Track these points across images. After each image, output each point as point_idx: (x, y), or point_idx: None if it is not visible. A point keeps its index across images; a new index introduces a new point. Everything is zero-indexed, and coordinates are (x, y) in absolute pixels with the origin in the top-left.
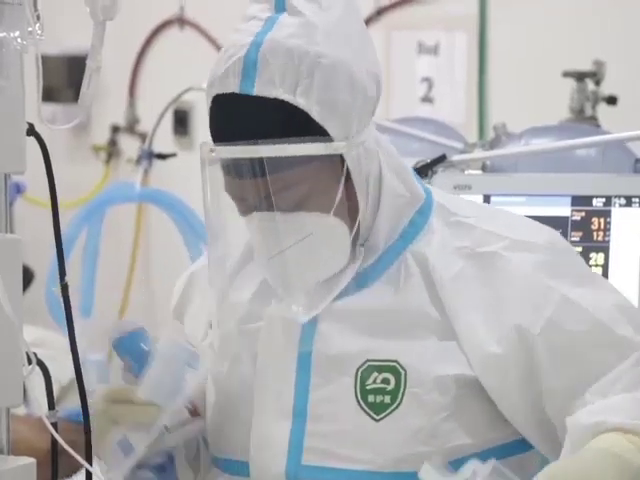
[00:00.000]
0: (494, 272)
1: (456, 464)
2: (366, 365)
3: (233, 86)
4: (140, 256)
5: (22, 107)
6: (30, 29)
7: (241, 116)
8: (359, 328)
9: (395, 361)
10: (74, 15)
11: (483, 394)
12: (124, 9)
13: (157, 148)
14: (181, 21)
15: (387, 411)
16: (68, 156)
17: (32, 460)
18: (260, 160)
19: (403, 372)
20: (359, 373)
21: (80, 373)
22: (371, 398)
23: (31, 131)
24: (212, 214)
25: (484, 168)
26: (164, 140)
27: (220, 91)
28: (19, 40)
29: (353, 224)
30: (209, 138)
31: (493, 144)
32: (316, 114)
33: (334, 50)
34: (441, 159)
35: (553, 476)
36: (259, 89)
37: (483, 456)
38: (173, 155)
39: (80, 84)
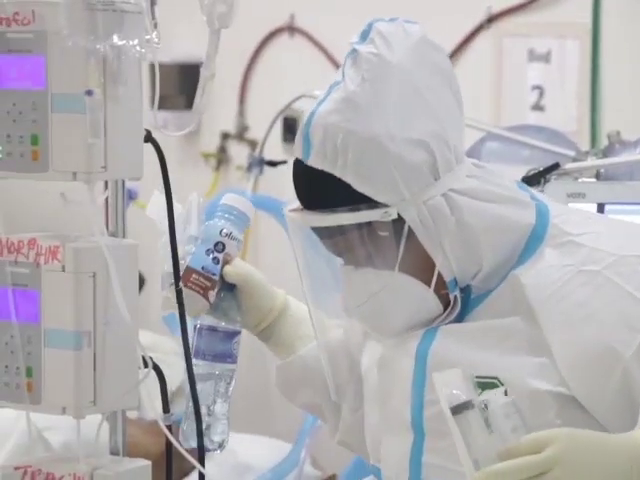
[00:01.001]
0: (589, 291)
1: None
2: (476, 381)
3: (298, 153)
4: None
5: (140, 114)
6: (148, 37)
7: (302, 183)
8: (464, 346)
9: (495, 378)
10: (185, 23)
11: (585, 410)
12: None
13: (267, 155)
14: (291, 29)
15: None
16: (178, 163)
17: (147, 462)
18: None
19: (503, 387)
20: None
21: (193, 378)
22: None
23: (148, 138)
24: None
25: (598, 176)
26: (273, 147)
27: (295, 154)
28: (138, 48)
29: (431, 278)
30: None
31: (606, 152)
32: (357, 185)
33: (365, 126)
34: (554, 167)
35: (574, 434)
36: (313, 160)
37: None
38: (284, 162)
39: (191, 91)
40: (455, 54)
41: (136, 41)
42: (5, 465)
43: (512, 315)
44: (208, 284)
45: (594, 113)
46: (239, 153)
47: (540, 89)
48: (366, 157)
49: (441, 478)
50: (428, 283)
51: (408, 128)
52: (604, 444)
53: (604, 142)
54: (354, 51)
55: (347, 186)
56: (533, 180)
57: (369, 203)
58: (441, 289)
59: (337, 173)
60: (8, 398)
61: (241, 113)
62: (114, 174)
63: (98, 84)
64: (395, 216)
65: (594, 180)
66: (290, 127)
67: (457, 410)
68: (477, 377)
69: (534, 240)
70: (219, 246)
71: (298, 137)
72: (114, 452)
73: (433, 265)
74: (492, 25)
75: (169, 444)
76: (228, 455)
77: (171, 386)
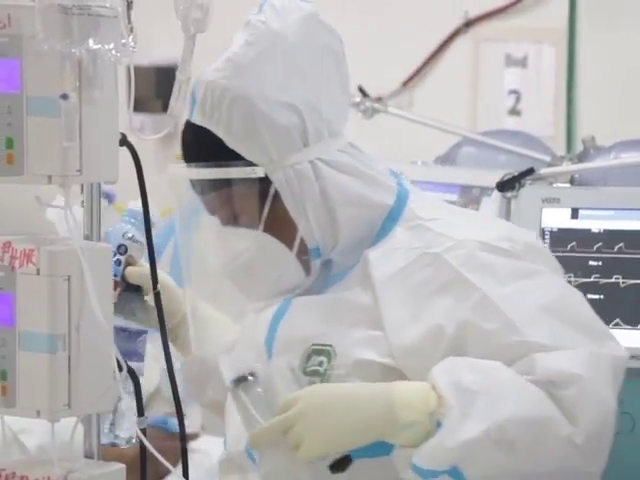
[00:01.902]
0: (433, 272)
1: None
2: (310, 349)
3: (186, 110)
4: None
5: (116, 118)
6: (124, 41)
7: (185, 138)
8: (311, 317)
9: (330, 345)
10: (162, 25)
11: (397, 374)
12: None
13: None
14: None
15: None
16: (155, 166)
17: (122, 466)
18: (197, 180)
19: (334, 355)
20: (304, 356)
21: (174, 381)
22: (309, 380)
23: (124, 141)
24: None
25: (572, 181)
26: None
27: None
28: (113, 52)
29: (293, 241)
30: None
31: (581, 157)
32: (229, 142)
33: (241, 84)
34: (529, 172)
35: (315, 390)
36: (194, 116)
37: None
38: None
39: (168, 94)
40: (432, 58)
41: (112, 45)
42: None
43: (360, 291)
44: None
45: (570, 118)
46: None
47: (517, 94)
48: (238, 114)
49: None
50: (292, 248)
51: (282, 92)
52: (354, 395)
53: (580, 147)
54: (247, 20)
55: (222, 143)
56: (508, 185)
57: (240, 161)
58: (303, 255)
59: (212, 128)
60: None
61: None
62: (89, 177)
63: (73, 88)
64: (262, 175)
65: (568, 185)
66: None
67: (236, 383)
68: (314, 344)
69: (389, 221)
70: (121, 249)
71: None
72: (89, 455)
73: (297, 230)
74: (469, 29)
75: (143, 447)
76: (204, 457)
77: (148, 389)
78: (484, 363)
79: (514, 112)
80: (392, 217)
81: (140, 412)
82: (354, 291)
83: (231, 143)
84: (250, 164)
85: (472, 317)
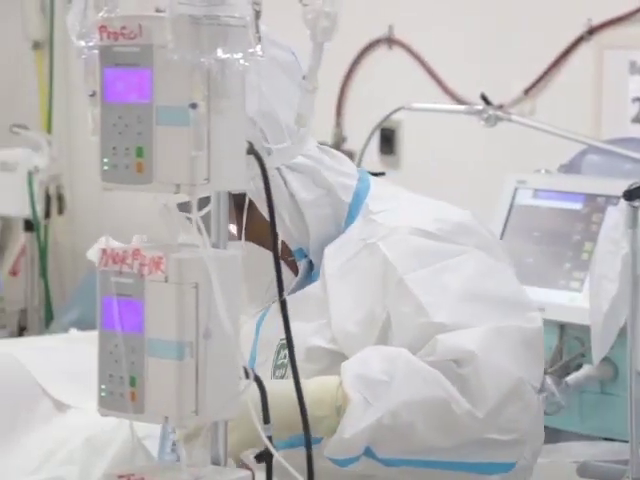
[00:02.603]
0: (371, 261)
1: None
2: (280, 344)
3: None
4: None
5: (243, 127)
6: (251, 50)
7: None
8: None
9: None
10: (283, 35)
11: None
12: None
13: (364, 166)
14: (390, 41)
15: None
16: None
17: (248, 472)
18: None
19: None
20: (276, 352)
21: (300, 388)
22: (277, 372)
23: (251, 150)
24: None
25: None
26: (370, 158)
27: None
28: (242, 61)
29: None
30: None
31: None
32: None
33: None
34: None
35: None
36: None
37: None
38: (382, 174)
39: None
40: (555, 66)
41: (240, 54)
42: (108, 473)
43: (318, 285)
44: None
45: None
46: None
47: None
48: None
49: None
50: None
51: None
52: (270, 394)
53: None
54: None
55: None
56: (635, 194)
57: None
58: (288, 257)
59: None
60: (112, 407)
61: (338, 124)
62: (217, 186)
63: (202, 97)
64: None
65: None
66: (387, 138)
67: None
68: (281, 339)
69: (349, 218)
70: None
71: None
72: (215, 462)
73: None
74: (592, 37)
75: (269, 455)
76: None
77: None
78: (391, 351)
79: (638, 120)
80: (351, 214)
81: (266, 419)
82: (314, 285)
83: None
84: None
85: (393, 302)
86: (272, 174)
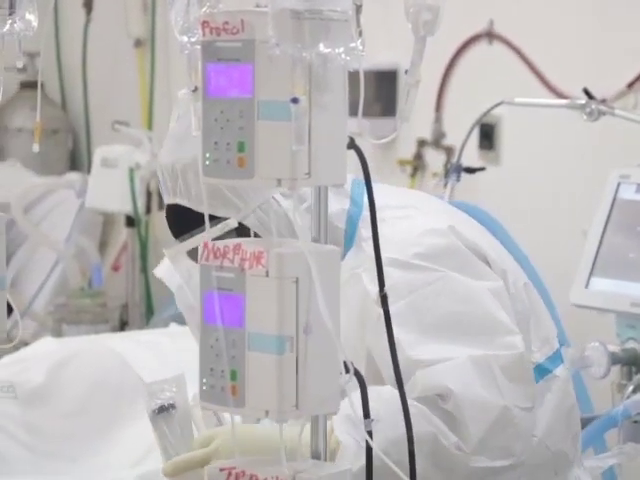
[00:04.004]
0: (353, 290)
1: None
2: None
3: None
4: None
5: (344, 121)
6: (353, 45)
7: (170, 221)
8: None
9: None
10: (382, 30)
11: None
12: None
13: (463, 162)
14: (490, 35)
15: None
16: (375, 170)
17: (348, 467)
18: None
19: None
20: None
21: (401, 383)
22: None
23: (351, 145)
24: None
25: None
26: (469, 154)
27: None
28: (343, 56)
29: None
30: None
31: None
32: (196, 208)
33: (184, 154)
34: None
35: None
36: (167, 199)
37: None
38: (482, 169)
39: (387, 98)
40: None
41: (342, 49)
42: (211, 466)
43: None
44: None
45: None
46: (435, 160)
47: None
48: (192, 181)
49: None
50: None
51: None
52: (267, 439)
53: None
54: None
55: (191, 211)
56: None
57: (214, 220)
58: None
59: (180, 202)
60: (213, 400)
61: (438, 120)
62: (317, 180)
63: (304, 92)
64: (236, 225)
65: None
66: (487, 134)
67: (157, 412)
68: None
69: (347, 244)
70: None
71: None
72: (316, 456)
73: None
74: None
75: (369, 449)
76: None
77: None
78: (377, 389)
79: None
80: (348, 241)
81: (366, 414)
82: None
83: (197, 208)
84: (221, 219)
85: (372, 337)
86: (269, 205)
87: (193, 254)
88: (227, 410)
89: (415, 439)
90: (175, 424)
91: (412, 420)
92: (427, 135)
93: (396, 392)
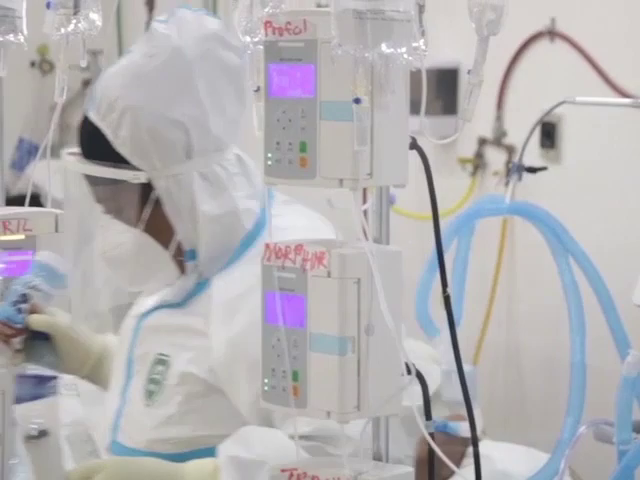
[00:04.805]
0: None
1: (198, 453)
2: (156, 358)
3: (87, 104)
4: (504, 270)
5: (406, 122)
6: (415, 45)
7: (81, 131)
8: (161, 336)
9: (168, 356)
10: (445, 29)
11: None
12: None
13: (524, 161)
14: (552, 33)
15: (153, 398)
16: (435, 168)
17: (410, 469)
18: (85, 174)
19: (169, 366)
20: (152, 364)
21: (465, 383)
22: (150, 386)
23: (414, 145)
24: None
25: None
26: (530, 152)
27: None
28: (405, 56)
29: (170, 243)
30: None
31: None
32: (116, 145)
33: (133, 95)
34: None
35: (120, 463)
36: (91, 114)
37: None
38: (544, 169)
39: (447, 97)
40: None
41: (404, 49)
42: (273, 467)
43: (201, 321)
44: (10, 332)
45: None
46: (496, 158)
47: None
48: (126, 123)
49: (123, 440)
50: (168, 248)
51: (172, 108)
52: (153, 473)
53: None
54: (152, 27)
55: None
56: None
57: (127, 164)
58: (178, 255)
59: (103, 129)
60: (275, 401)
61: (499, 118)
62: (379, 181)
63: (366, 92)
64: (144, 181)
65: None
66: (548, 133)
67: (30, 438)
68: (159, 354)
69: (244, 245)
70: (23, 297)
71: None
72: (377, 457)
73: (174, 232)
74: None
75: (431, 451)
76: (486, 462)
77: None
78: (267, 433)
79: None
80: (246, 243)
81: (428, 416)
82: (197, 320)
83: (118, 147)
84: (135, 169)
85: None
86: (184, 178)
87: (88, 178)
88: (289, 411)
89: None
90: (48, 450)
91: None
92: (488, 133)
93: (282, 436)
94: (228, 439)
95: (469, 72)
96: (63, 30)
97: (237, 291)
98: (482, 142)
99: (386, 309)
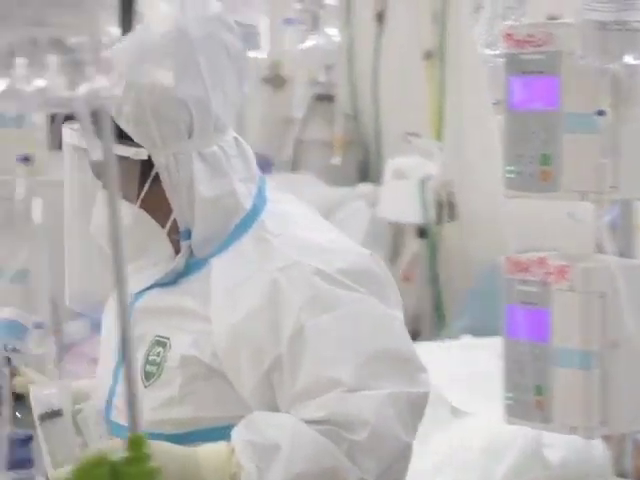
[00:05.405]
0: (263, 288)
1: (197, 434)
2: (154, 339)
3: None
4: None
5: None
6: None
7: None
8: (156, 317)
9: (168, 338)
10: None
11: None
12: None
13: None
14: None
15: (151, 379)
16: None
17: None
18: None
19: (169, 348)
20: (150, 345)
21: None
22: (148, 367)
23: None
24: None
25: None
26: None
27: None
28: None
29: (166, 221)
30: None
31: None
32: (119, 121)
33: (138, 72)
34: None
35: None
36: None
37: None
38: None
39: None
40: None
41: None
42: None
43: (200, 302)
44: None
45: None
46: None
47: None
48: (130, 99)
49: (117, 418)
50: (164, 226)
51: (175, 87)
52: (164, 458)
53: None
54: (160, 10)
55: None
56: None
57: (128, 140)
58: (173, 234)
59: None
60: (518, 415)
61: None
62: (625, 193)
63: (610, 104)
64: (145, 157)
65: None
66: None
67: (45, 417)
68: (157, 335)
69: (240, 227)
70: (4, 361)
71: None
72: (620, 474)
73: (171, 211)
74: None
75: None
76: None
77: None
78: (279, 416)
79: None
80: (244, 224)
81: None
82: (196, 301)
83: (121, 123)
84: (136, 145)
85: (289, 346)
86: (184, 157)
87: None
88: (532, 426)
89: (318, 475)
90: (61, 430)
91: (315, 455)
92: None
93: (296, 420)
94: (239, 424)
95: None
96: (301, 46)
97: (239, 277)
98: None
99: (632, 324)
